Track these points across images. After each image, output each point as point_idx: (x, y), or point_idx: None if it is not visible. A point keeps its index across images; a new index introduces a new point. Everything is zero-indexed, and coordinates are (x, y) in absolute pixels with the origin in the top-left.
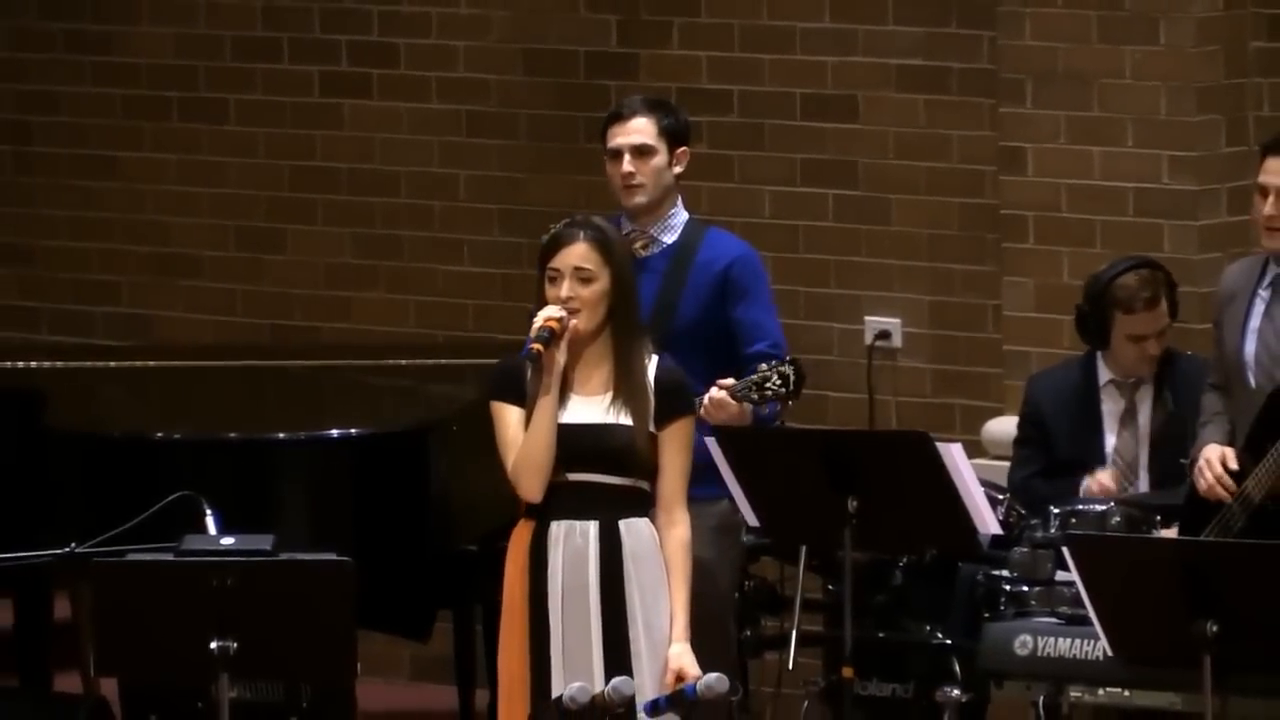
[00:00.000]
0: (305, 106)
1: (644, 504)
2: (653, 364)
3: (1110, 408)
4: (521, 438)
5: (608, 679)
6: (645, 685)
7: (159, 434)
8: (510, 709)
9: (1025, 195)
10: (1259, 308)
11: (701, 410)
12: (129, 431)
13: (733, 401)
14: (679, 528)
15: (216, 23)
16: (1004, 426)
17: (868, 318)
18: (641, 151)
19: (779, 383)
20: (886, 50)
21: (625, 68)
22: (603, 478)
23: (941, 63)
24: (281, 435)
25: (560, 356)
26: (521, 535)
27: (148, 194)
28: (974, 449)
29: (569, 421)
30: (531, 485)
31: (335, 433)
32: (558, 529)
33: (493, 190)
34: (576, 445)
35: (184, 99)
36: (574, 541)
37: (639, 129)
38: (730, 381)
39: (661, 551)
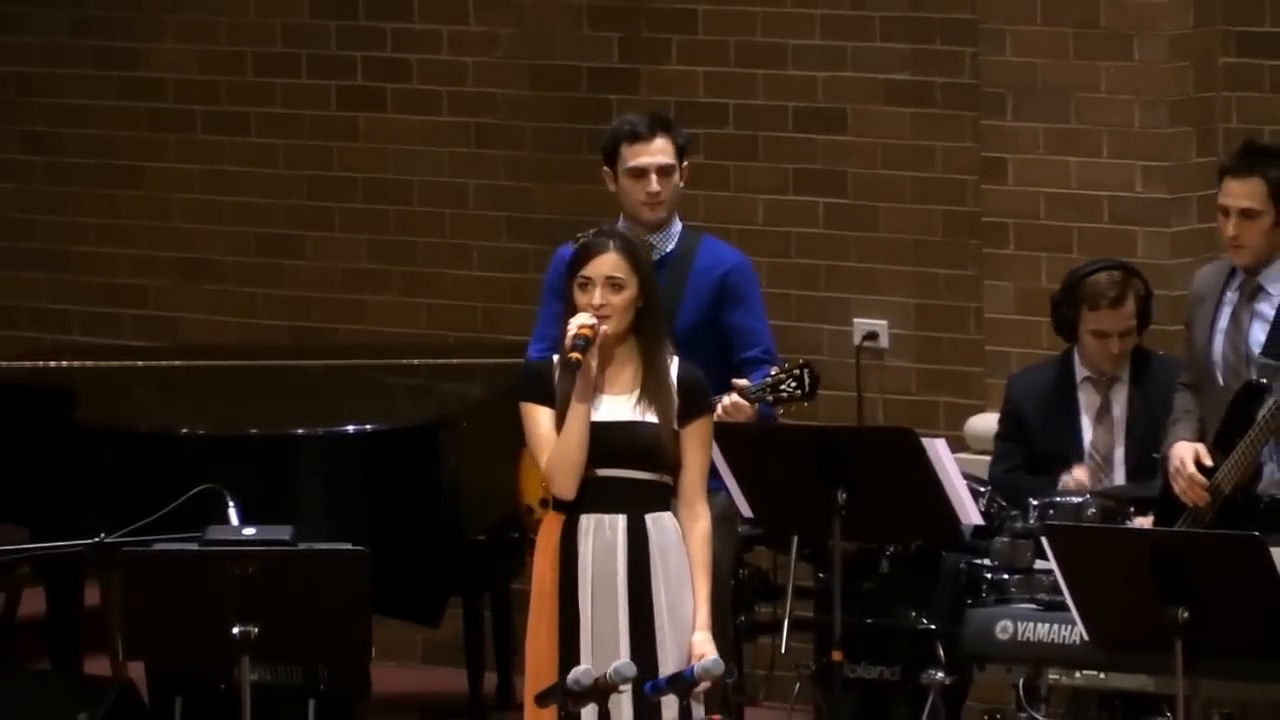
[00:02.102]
0: (323, 119)
1: (668, 497)
2: (674, 365)
3: (1087, 404)
4: (553, 437)
5: (635, 663)
6: (670, 669)
7: (184, 430)
8: (538, 691)
9: (1006, 203)
10: (1226, 310)
11: (719, 412)
12: (155, 428)
13: (748, 404)
14: (701, 521)
15: (238, 40)
16: (986, 422)
17: (856, 319)
18: (666, 171)
19: (794, 385)
20: (874, 66)
21: (626, 83)
22: (630, 473)
23: (926, 77)
24: (300, 431)
25: (594, 360)
26: (551, 527)
27: (173, 202)
28: (957, 444)
29: (598, 419)
30: (565, 483)
31: (351, 428)
32: (587, 522)
33: (500, 199)
34: (606, 442)
35: (207, 112)
36: (603, 534)
37: (662, 149)
38: (743, 383)
39: (685, 544)
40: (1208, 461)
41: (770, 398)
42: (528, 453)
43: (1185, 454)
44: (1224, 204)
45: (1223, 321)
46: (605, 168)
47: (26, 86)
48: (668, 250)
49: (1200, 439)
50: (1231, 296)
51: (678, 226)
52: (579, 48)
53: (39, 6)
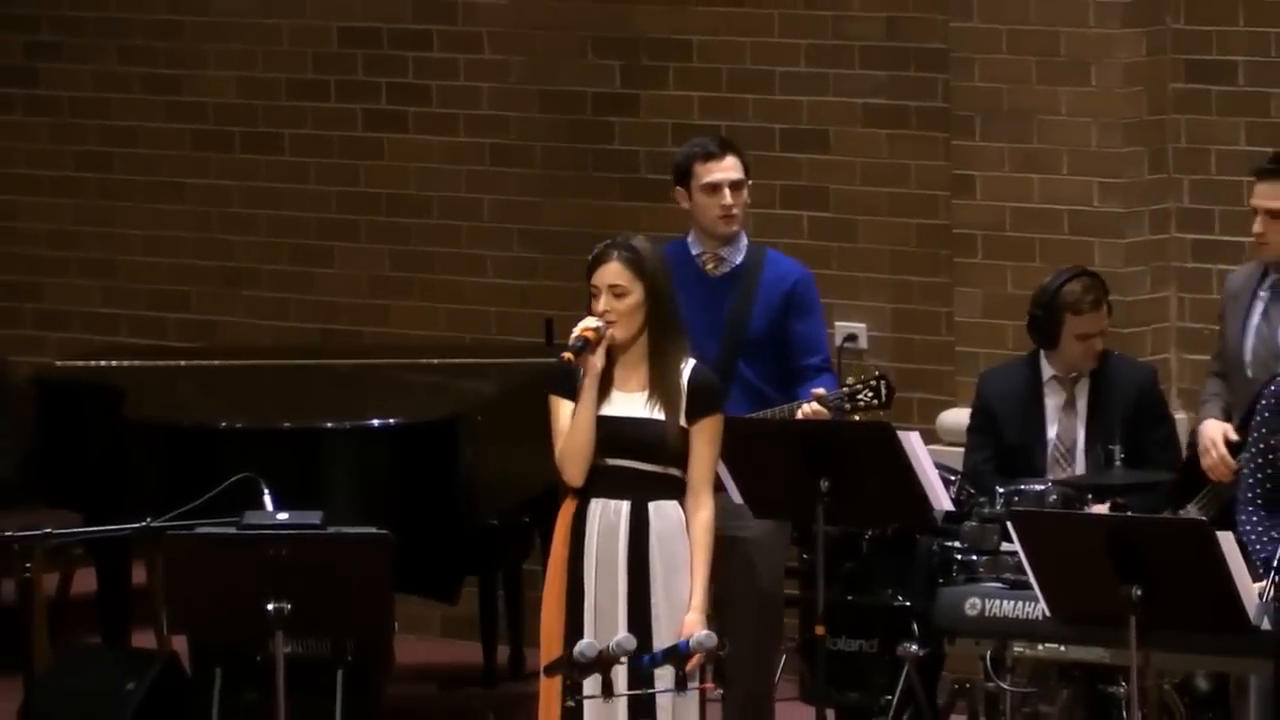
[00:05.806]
0: (350, 139)
1: (675, 488)
2: (688, 367)
3: (1052, 401)
4: (567, 427)
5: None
6: (664, 645)
7: (223, 424)
8: (548, 661)
9: (974, 216)
10: (1258, 308)
11: (798, 416)
12: (197, 422)
13: (826, 412)
14: (703, 511)
15: (273, 67)
16: (956, 417)
17: (838, 323)
18: (738, 186)
19: (870, 395)
20: (854, 91)
21: (627, 106)
22: (636, 464)
23: (902, 101)
24: (329, 424)
25: (598, 361)
26: (566, 511)
27: (213, 215)
28: (930, 437)
29: (609, 414)
30: (573, 471)
31: (376, 422)
32: (595, 506)
33: (512, 212)
34: (616, 435)
35: (245, 133)
36: (608, 518)
37: (733, 166)
38: (822, 392)
39: (688, 531)
40: (1234, 438)
41: (848, 405)
42: None
43: (1215, 433)
44: (1254, 204)
45: (1255, 318)
46: (678, 187)
47: (79, 110)
48: (737, 262)
49: (1227, 418)
50: (1264, 295)
51: (744, 240)
52: (584, 74)
53: (91, 37)
